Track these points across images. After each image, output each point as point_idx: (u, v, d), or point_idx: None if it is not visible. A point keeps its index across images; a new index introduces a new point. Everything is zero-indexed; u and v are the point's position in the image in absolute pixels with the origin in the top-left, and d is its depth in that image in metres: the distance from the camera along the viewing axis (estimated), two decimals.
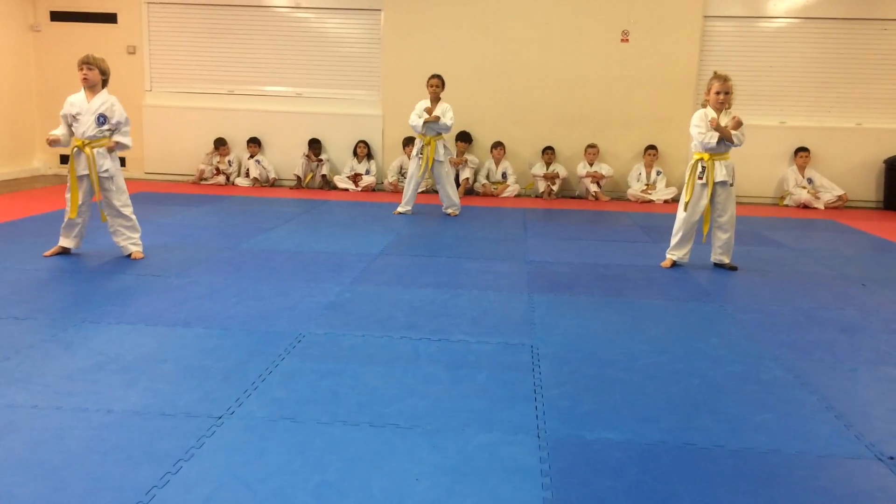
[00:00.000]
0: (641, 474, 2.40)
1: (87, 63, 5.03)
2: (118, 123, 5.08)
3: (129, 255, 5.22)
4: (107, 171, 5.08)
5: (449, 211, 7.71)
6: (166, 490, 2.20)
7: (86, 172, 5.06)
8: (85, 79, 5.01)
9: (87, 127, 5.01)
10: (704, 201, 5.35)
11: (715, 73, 5.33)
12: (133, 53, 10.08)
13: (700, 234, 5.49)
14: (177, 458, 2.39)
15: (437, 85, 7.44)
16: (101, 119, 5.03)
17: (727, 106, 5.27)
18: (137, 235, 5.28)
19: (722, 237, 5.45)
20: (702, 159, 5.31)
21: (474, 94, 9.62)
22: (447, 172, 7.70)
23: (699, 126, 5.26)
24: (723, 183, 5.32)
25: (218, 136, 9.95)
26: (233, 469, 2.35)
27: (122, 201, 5.19)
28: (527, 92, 9.66)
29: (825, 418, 2.89)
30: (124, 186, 5.23)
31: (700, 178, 5.32)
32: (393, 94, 9.75)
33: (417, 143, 7.54)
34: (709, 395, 3.09)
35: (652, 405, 2.95)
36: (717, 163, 5.29)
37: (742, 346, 3.73)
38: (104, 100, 5.06)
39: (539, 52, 9.59)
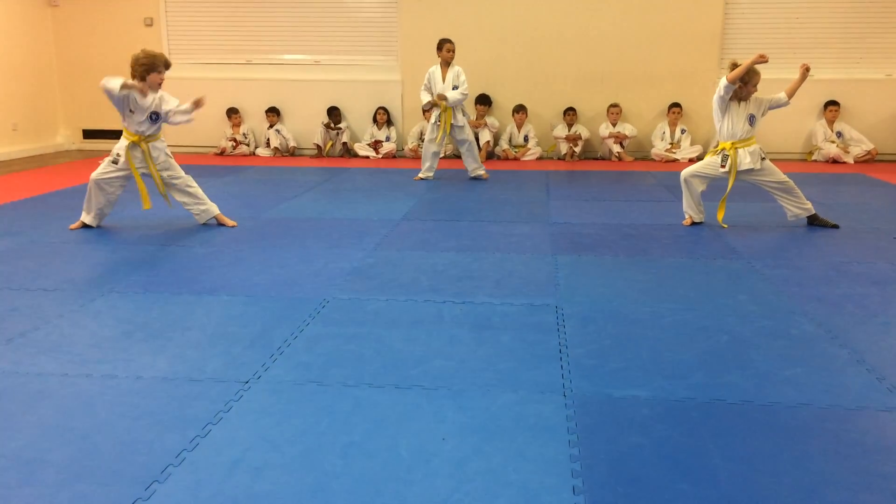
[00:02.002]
0: (669, 430, 2.38)
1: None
2: (168, 113, 5.07)
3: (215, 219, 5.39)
4: (160, 163, 5.14)
5: (480, 173, 7.63)
6: (196, 453, 2.23)
7: (142, 166, 5.12)
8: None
9: (142, 126, 5.05)
10: (710, 175, 5.26)
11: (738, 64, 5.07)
12: (150, 25, 10.04)
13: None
14: (206, 422, 2.41)
15: (453, 49, 7.35)
16: (154, 117, 5.06)
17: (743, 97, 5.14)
18: (206, 203, 5.34)
19: (787, 202, 5.30)
20: (724, 148, 5.18)
21: (494, 56, 9.49)
22: (468, 136, 7.62)
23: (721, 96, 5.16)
24: (750, 170, 5.17)
25: (230, 106, 9.93)
26: (261, 431, 2.36)
27: (186, 182, 5.26)
28: (547, 52, 9.50)
29: (857, 371, 2.84)
30: (180, 168, 5.29)
31: (723, 167, 5.19)
32: (411, 59, 9.64)
33: (435, 111, 7.47)
34: (737, 350, 3.05)
35: (679, 362, 2.92)
36: (740, 150, 5.14)
37: (771, 302, 3.67)
38: (154, 96, 5.07)
39: (559, 11, 9.41)
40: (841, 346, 3.09)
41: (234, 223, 5.38)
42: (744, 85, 5.05)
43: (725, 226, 5.31)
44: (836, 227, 5.30)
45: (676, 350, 3.05)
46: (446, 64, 7.39)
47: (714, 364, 2.91)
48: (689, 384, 2.72)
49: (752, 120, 5.14)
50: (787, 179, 5.26)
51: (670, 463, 2.18)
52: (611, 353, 3.01)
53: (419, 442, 2.30)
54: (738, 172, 5.18)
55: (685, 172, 5.36)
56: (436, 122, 7.48)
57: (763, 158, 5.19)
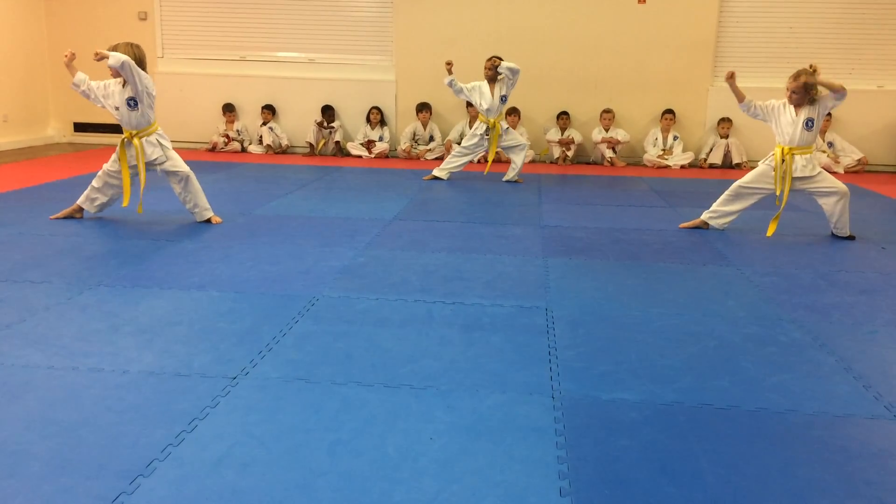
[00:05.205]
0: (657, 434, 2.38)
1: None
2: (136, 96, 4.92)
3: (209, 220, 5.30)
4: (155, 159, 5.06)
5: (512, 175, 7.63)
6: (181, 448, 2.21)
7: (135, 163, 5.05)
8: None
9: (128, 117, 4.96)
10: (764, 189, 5.21)
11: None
12: (144, 20, 10.02)
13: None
14: (192, 417, 2.40)
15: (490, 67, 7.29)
16: (132, 102, 4.95)
17: (808, 101, 5.03)
18: (204, 202, 5.30)
19: (834, 217, 5.20)
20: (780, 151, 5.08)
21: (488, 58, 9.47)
22: (517, 138, 7.63)
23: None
24: (803, 178, 5.09)
25: (226, 102, 9.89)
26: (248, 428, 2.35)
27: (186, 175, 5.17)
28: (542, 56, 9.51)
29: (843, 379, 2.85)
30: (183, 163, 5.21)
31: (775, 170, 5.11)
32: (406, 60, 9.65)
33: (480, 125, 7.42)
34: (725, 356, 3.06)
35: (668, 366, 2.93)
36: (796, 156, 5.07)
37: (760, 309, 3.69)
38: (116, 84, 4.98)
39: (554, 15, 9.43)
40: (828, 354, 3.11)
41: (219, 219, 5.33)
42: (806, 93, 4.97)
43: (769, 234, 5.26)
44: (852, 238, 5.27)
45: (665, 354, 3.06)
46: (492, 80, 7.32)
47: (702, 369, 2.92)
48: (677, 388, 2.73)
49: (809, 124, 5.00)
50: (841, 189, 5.11)
51: (657, 466, 2.19)
52: (599, 356, 3.02)
53: (407, 441, 2.30)
54: (793, 180, 5.08)
55: (739, 184, 5.29)
56: (484, 136, 7.42)
57: (818, 172, 5.11)
